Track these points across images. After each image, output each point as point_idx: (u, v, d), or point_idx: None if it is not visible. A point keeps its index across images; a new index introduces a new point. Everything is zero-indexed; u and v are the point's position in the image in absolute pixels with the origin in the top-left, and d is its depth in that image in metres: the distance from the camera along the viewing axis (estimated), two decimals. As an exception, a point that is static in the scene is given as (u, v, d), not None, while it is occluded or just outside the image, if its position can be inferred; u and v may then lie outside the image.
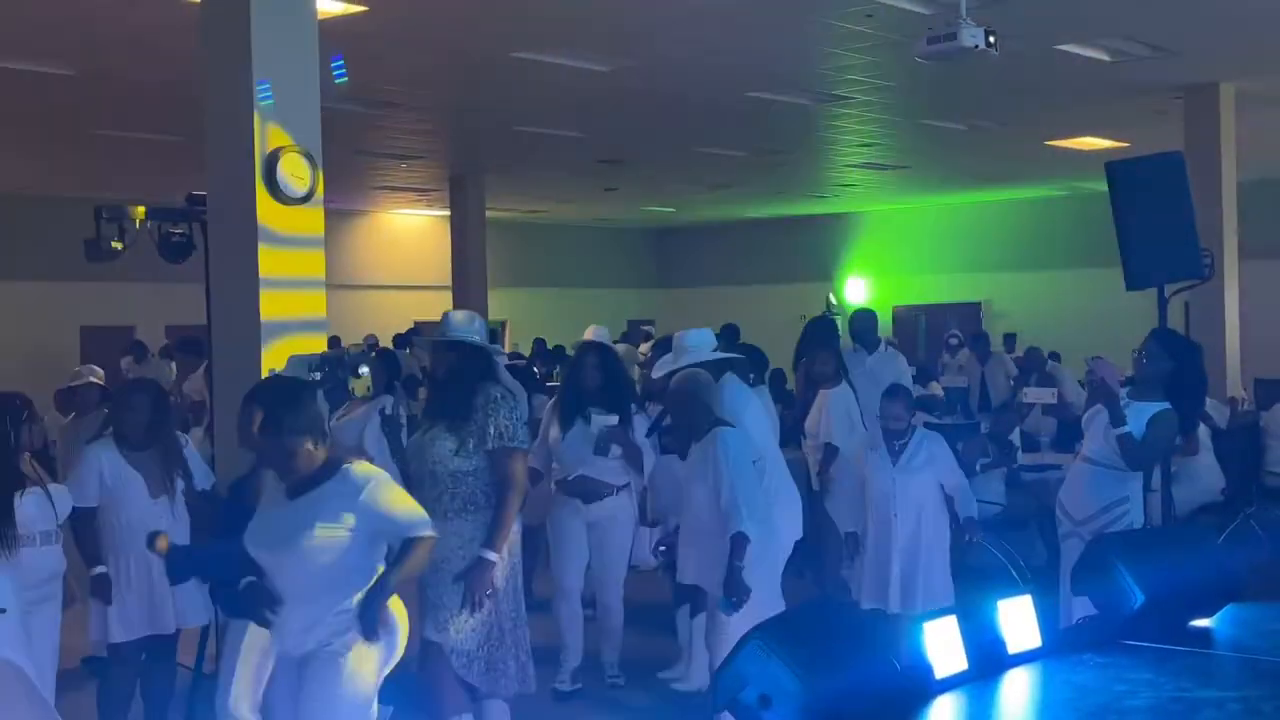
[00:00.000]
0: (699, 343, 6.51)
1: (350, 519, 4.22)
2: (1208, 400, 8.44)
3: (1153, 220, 7.23)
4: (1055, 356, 16.45)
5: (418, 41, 10.00)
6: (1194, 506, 9.41)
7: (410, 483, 5.04)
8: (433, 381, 5.34)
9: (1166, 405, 6.01)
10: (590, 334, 7.57)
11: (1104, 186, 7.41)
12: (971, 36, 7.94)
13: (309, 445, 4.26)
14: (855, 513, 8.26)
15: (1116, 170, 7.34)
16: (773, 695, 3.82)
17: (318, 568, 4.23)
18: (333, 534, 4.22)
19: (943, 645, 4.52)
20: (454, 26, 9.59)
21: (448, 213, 19.20)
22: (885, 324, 17.15)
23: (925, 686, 4.41)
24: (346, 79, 6.26)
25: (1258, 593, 5.86)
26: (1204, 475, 9.79)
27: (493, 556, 5.02)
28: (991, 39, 8.00)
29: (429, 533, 4.31)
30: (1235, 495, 10.13)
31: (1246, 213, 13.05)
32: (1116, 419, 5.95)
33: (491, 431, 5.08)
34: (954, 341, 17.04)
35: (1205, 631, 5.42)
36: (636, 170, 17.26)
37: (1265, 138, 13.96)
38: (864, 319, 9.35)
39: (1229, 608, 5.60)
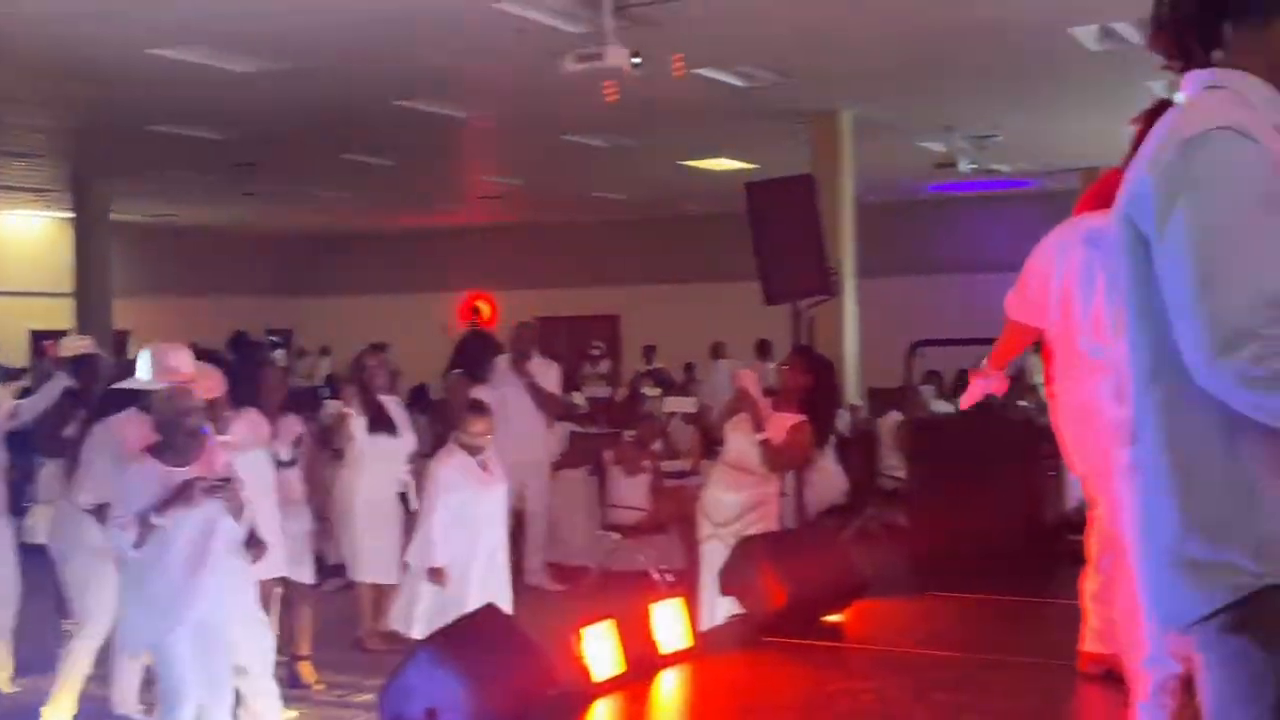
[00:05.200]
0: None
1: None
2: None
3: (787, 238, 7.67)
4: (690, 368, 17.17)
5: (44, 33, 9.39)
6: (821, 508, 10.01)
7: None
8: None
9: (803, 417, 6.39)
10: (71, 347, 7.32)
11: (734, 206, 7.82)
12: (618, 57, 8.20)
13: None
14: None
15: (754, 190, 7.75)
16: (441, 707, 3.84)
17: None
18: None
19: (601, 649, 4.66)
20: (84, 18, 9.06)
21: (70, 214, 18.09)
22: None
23: (586, 689, 4.53)
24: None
25: (881, 589, 6.32)
26: (828, 478, 10.45)
27: None
28: (636, 60, 8.28)
29: None
30: (857, 497, 10.85)
31: (862, 233, 13.98)
32: (758, 426, 6.28)
33: None
34: (596, 352, 17.47)
35: (838, 626, 5.81)
36: (278, 175, 16.80)
37: (881, 162, 14.97)
38: (522, 331, 9.48)
39: (857, 603, 6.02)
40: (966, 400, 4.70)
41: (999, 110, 13.08)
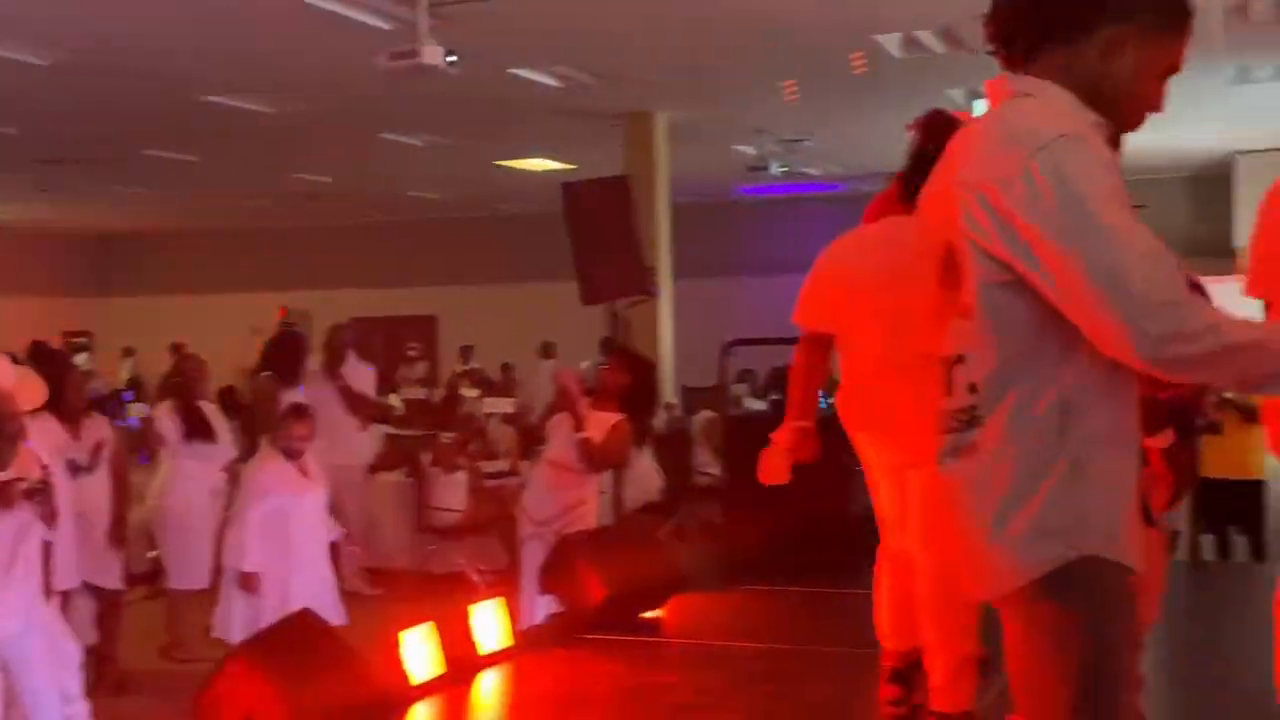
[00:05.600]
0: None
1: None
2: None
3: (603, 239, 7.74)
4: (508, 368, 17.14)
5: None
6: (638, 506, 10.11)
7: None
8: None
9: (623, 416, 6.46)
10: None
11: (552, 206, 7.86)
12: (433, 55, 8.15)
13: None
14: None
15: (570, 191, 7.79)
16: (255, 715, 3.77)
17: None
18: None
19: (420, 651, 4.64)
20: None
21: None
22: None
23: (404, 692, 4.51)
24: None
25: (697, 583, 6.44)
26: (645, 475, 10.56)
27: None
28: (452, 58, 8.25)
29: None
30: (673, 494, 10.99)
31: (678, 234, 14.15)
32: (578, 425, 6.32)
33: None
34: (413, 353, 17.28)
35: (656, 621, 5.90)
36: (77, 171, 16.19)
37: (695, 164, 15.17)
38: (336, 332, 9.35)
39: (674, 598, 6.12)
40: (768, 477, 4.20)
41: (808, 115, 13.38)
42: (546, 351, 17.41)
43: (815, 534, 6.45)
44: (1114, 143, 2.18)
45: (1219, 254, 13.60)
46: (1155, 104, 2.22)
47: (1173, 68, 2.20)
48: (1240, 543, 8.64)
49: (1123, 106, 2.17)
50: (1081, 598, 2.05)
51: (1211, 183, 16.91)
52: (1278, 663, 3.85)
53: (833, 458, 4.51)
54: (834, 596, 6.29)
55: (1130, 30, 2.14)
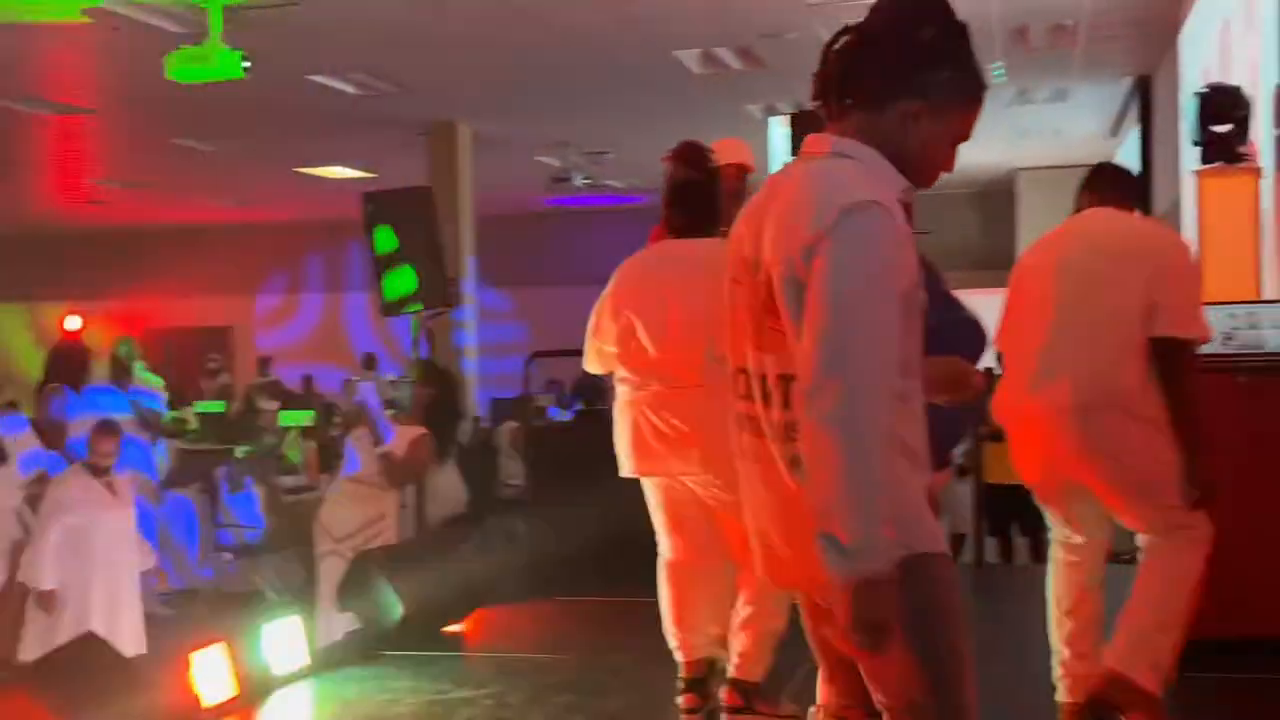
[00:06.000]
0: None
1: None
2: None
3: (406, 250, 7.67)
4: (309, 380, 16.83)
5: None
6: (442, 519, 10.02)
7: None
8: None
9: (424, 429, 6.42)
10: None
11: (354, 215, 7.75)
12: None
13: None
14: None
15: (372, 200, 7.70)
16: (35, 745, 3.62)
17: None
18: None
19: (211, 673, 4.52)
20: None
21: None
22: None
23: (195, 716, 4.39)
24: None
25: (501, 596, 6.42)
26: (450, 488, 10.46)
27: None
28: (246, 64, 8.08)
29: None
30: (478, 506, 10.92)
31: (482, 245, 14.10)
32: (378, 439, 6.25)
33: None
34: (213, 365, 16.84)
35: (458, 635, 5.87)
36: None
37: (499, 175, 15.14)
38: (123, 344, 9.07)
39: (477, 611, 6.10)
40: None
41: (611, 128, 13.49)
42: (368, 363, 17.12)
43: (619, 544, 6.49)
44: (909, 205, 2.37)
45: (1004, 266, 14.17)
46: (946, 166, 2.45)
47: (963, 136, 2.44)
48: (1022, 545, 9.02)
49: (915, 167, 2.40)
50: (920, 585, 2.25)
51: (997, 198, 17.65)
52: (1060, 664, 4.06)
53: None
54: (636, 606, 6.32)
55: (925, 105, 2.36)
